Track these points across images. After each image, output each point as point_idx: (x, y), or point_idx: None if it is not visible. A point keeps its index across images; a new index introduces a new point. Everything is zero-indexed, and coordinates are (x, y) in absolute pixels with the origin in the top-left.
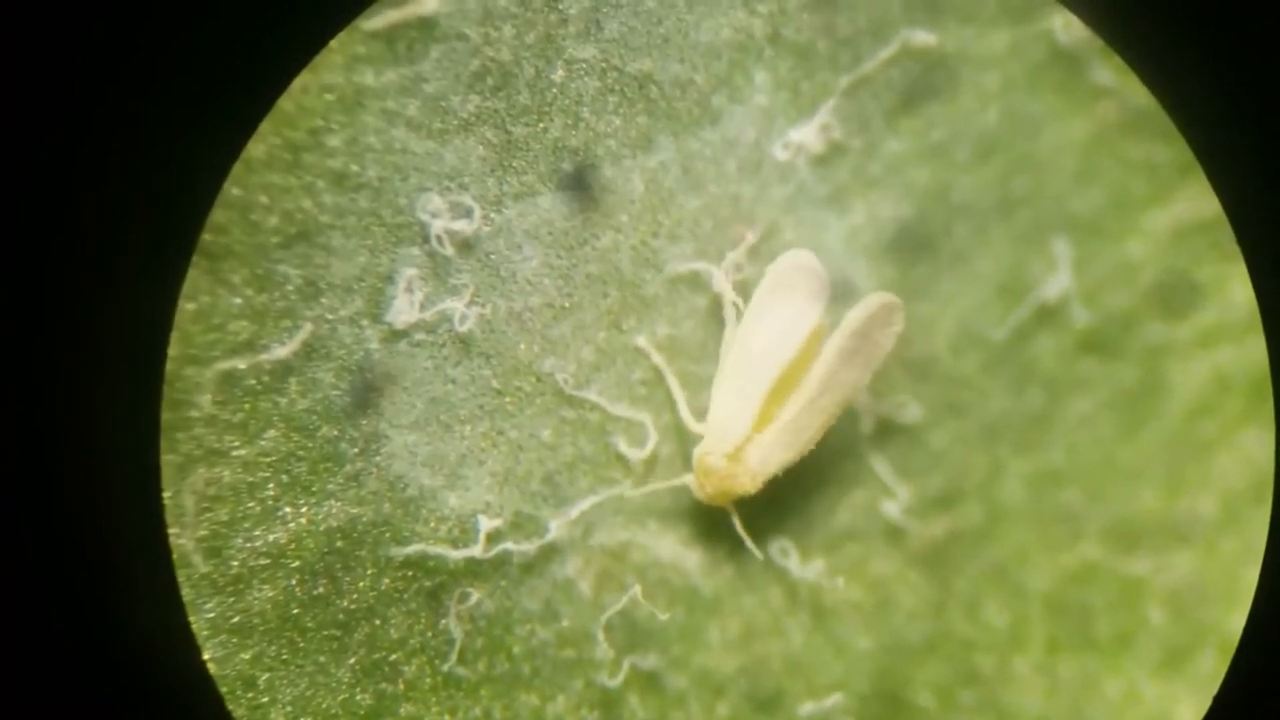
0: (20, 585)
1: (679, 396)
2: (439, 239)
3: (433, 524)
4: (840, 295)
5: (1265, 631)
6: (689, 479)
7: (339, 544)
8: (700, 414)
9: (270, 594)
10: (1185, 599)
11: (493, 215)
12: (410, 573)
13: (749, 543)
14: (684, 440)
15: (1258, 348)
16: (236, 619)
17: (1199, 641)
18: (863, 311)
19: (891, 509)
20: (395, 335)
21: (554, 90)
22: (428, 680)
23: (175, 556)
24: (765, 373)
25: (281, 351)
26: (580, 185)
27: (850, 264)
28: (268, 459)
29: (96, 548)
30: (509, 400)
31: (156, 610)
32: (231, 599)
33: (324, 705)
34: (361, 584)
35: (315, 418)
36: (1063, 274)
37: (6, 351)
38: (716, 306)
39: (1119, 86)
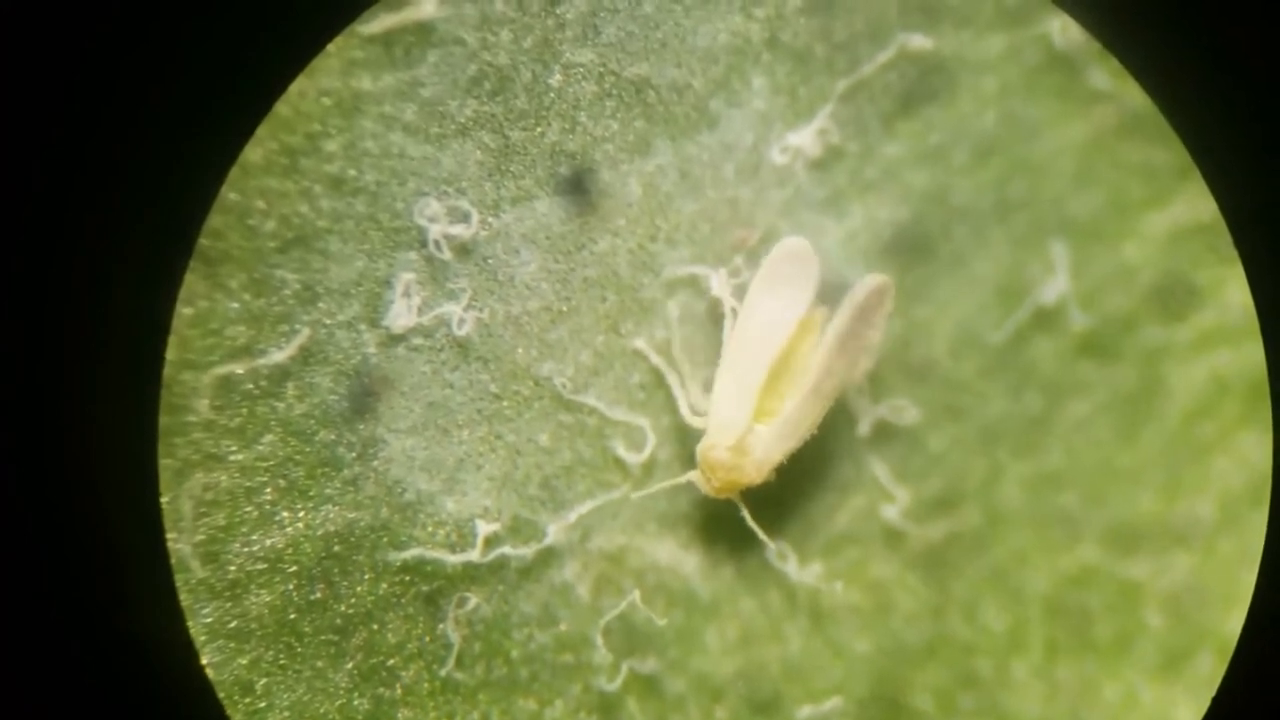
0: (18, 589)
1: (679, 395)
2: (436, 243)
3: (430, 528)
4: (836, 297)
5: (1263, 634)
6: (694, 475)
7: (336, 549)
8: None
9: (268, 599)
10: (1183, 602)
11: (490, 220)
12: (408, 577)
13: (759, 532)
14: (683, 443)
15: (1255, 350)
16: (234, 624)
17: (1197, 644)
18: (859, 294)
19: (890, 512)
20: (393, 339)
21: (551, 95)
22: (425, 685)
23: (173, 561)
24: (761, 363)
25: (279, 356)
26: (578, 189)
27: (848, 267)
28: (265, 464)
29: (94, 552)
30: (507, 404)
31: (154, 615)
32: (229, 604)
33: (321, 710)
34: (359, 589)
35: (313, 422)
36: (1060, 277)
37: (4, 356)
38: (714, 310)
39: (1116, 90)
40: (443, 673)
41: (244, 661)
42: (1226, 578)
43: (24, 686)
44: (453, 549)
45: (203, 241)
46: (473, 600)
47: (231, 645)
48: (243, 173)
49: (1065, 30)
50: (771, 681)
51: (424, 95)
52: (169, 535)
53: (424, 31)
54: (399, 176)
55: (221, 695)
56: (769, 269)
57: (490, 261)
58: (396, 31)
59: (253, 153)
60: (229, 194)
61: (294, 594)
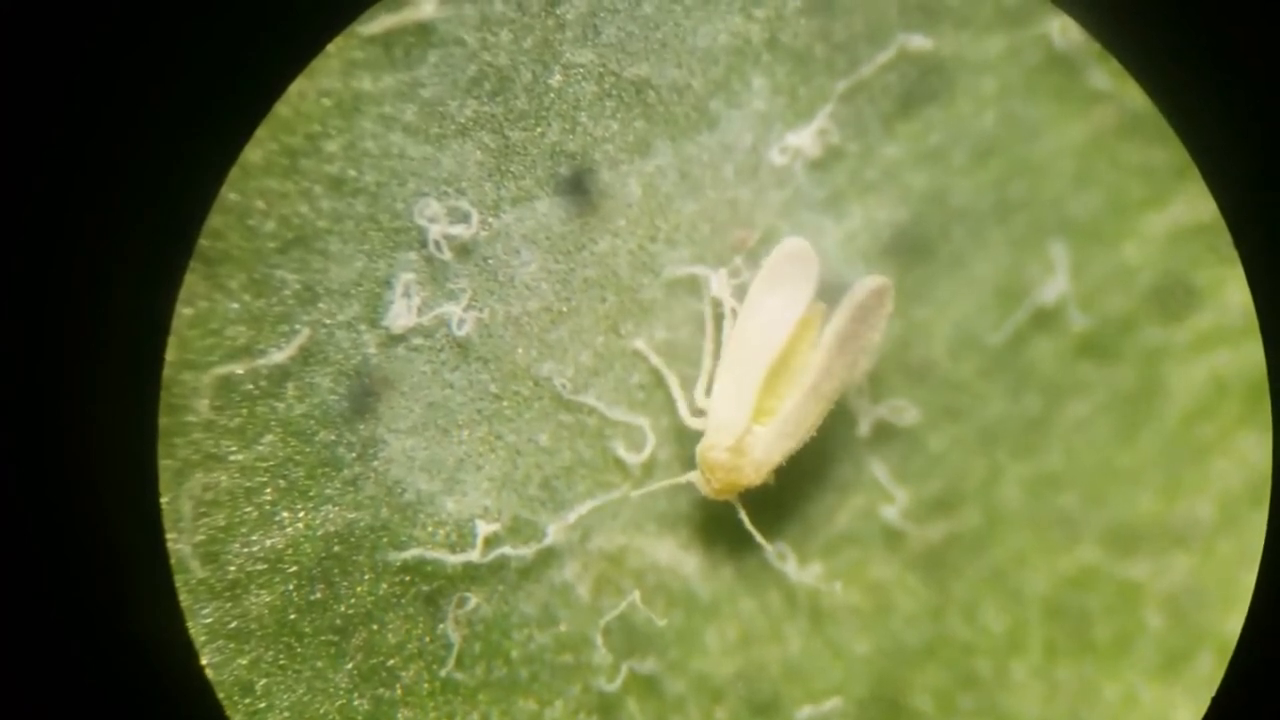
0: (17, 590)
1: (678, 396)
2: (436, 244)
3: (430, 528)
4: (836, 298)
5: (1263, 634)
6: (693, 476)
7: (336, 549)
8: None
9: (268, 599)
10: (1183, 602)
11: (490, 220)
12: (408, 577)
13: (757, 535)
14: (682, 444)
15: (1255, 351)
16: (234, 624)
17: (1197, 645)
18: (858, 295)
19: (890, 513)
20: (393, 340)
21: (551, 95)
22: (425, 685)
23: (173, 562)
24: (759, 363)
25: (279, 356)
26: (578, 190)
27: (847, 268)
28: (265, 464)
29: (94, 553)
30: (507, 404)
31: (154, 615)
32: (229, 604)
33: (321, 710)
34: (359, 589)
35: (313, 422)
36: (1060, 277)
37: (4, 356)
38: (715, 310)
39: (1116, 90)
40: (443, 673)
41: (244, 662)
42: (1226, 578)
43: (24, 686)
44: (453, 549)
45: (203, 242)
46: (473, 600)
47: (231, 645)
48: (243, 173)
49: (1065, 31)
50: (771, 682)
51: (424, 96)
52: (169, 535)
53: (424, 32)
54: (399, 177)
55: (221, 696)
56: (769, 270)
57: (490, 262)
58: (396, 32)
59: (253, 153)
60: (229, 194)
61: (294, 594)
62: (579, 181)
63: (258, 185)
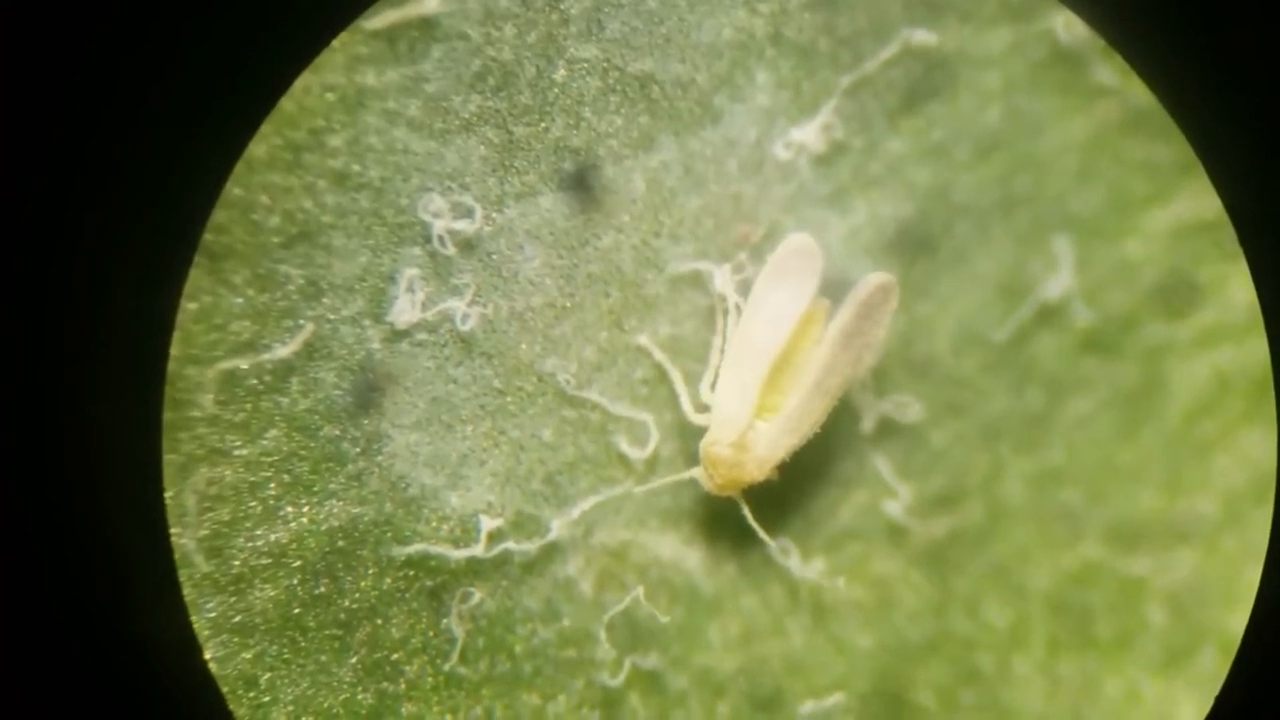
0: (21, 585)
1: (682, 391)
2: (441, 239)
3: (434, 523)
4: (840, 294)
5: (1267, 631)
6: (697, 471)
7: (340, 543)
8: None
9: (272, 593)
10: (1186, 599)
11: (494, 215)
12: (412, 572)
13: (760, 532)
14: (686, 439)
15: (1258, 347)
16: (238, 618)
17: (1200, 641)
18: (863, 291)
19: (893, 508)
20: (397, 335)
21: (555, 90)
22: (429, 679)
23: (177, 556)
24: (763, 359)
25: (283, 351)
26: (582, 185)
27: (851, 263)
28: (269, 458)
29: (98, 547)
30: (510, 400)
31: (158, 610)
32: (233, 598)
33: (325, 704)
34: (363, 583)
35: (317, 417)
36: (1064, 274)
37: (8, 351)
38: (720, 306)
39: (1120, 86)
40: (446, 667)
41: (248, 656)
42: (1229, 575)
43: (26, 683)
44: (456, 544)
45: (207, 237)
46: (476, 595)
47: (235, 640)
48: (247, 168)
49: (1069, 26)
50: (774, 677)
51: (428, 90)
52: (173, 530)
53: (428, 27)
54: (403, 172)
55: (225, 690)
56: (774, 265)
57: (494, 257)
58: (401, 27)
59: (257, 148)
60: (233, 189)
61: (298, 589)
62: (583, 177)
63: (262, 180)
